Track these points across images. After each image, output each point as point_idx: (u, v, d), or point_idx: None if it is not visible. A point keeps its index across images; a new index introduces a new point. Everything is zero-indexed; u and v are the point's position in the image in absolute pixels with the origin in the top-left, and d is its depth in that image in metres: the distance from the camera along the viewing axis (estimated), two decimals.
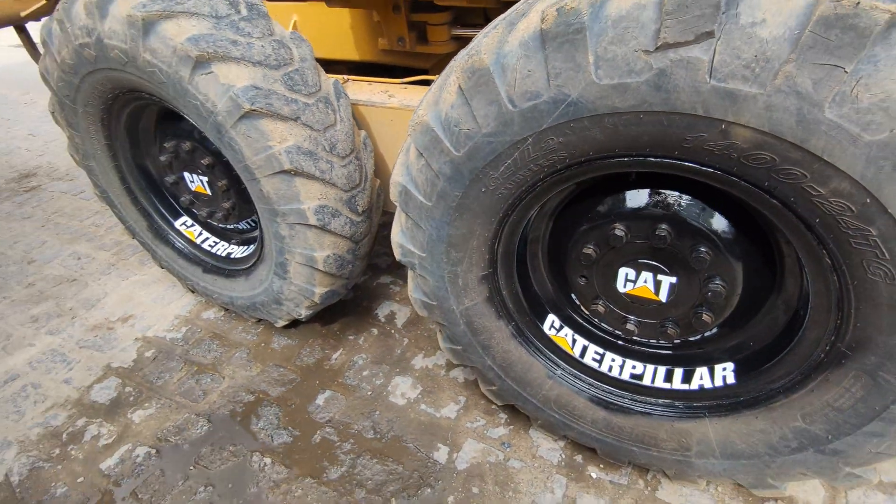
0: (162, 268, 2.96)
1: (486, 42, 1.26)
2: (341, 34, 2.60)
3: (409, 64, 2.64)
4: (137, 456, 2.18)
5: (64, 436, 2.29)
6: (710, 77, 0.97)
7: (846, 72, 0.88)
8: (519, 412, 2.14)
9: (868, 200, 0.97)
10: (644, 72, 1.03)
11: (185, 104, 1.88)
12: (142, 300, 3.06)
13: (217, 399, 2.40)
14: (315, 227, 1.99)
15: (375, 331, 2.72)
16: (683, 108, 1.03)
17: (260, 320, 2.78)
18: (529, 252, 1.80)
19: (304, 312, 2.40)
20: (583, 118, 1.15)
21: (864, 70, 0.87)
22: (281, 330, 2.73)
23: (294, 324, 2.70)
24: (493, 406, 2.24)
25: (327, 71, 2.10)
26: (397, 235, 1.73)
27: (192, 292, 2.95)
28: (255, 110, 1.76)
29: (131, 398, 2.44)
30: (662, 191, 1.47)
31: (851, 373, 1.26)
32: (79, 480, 2.10)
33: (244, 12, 1.85)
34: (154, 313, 2.94)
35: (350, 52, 2.66)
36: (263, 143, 1.82)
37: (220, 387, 2.46)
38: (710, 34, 0.95)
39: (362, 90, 2.26)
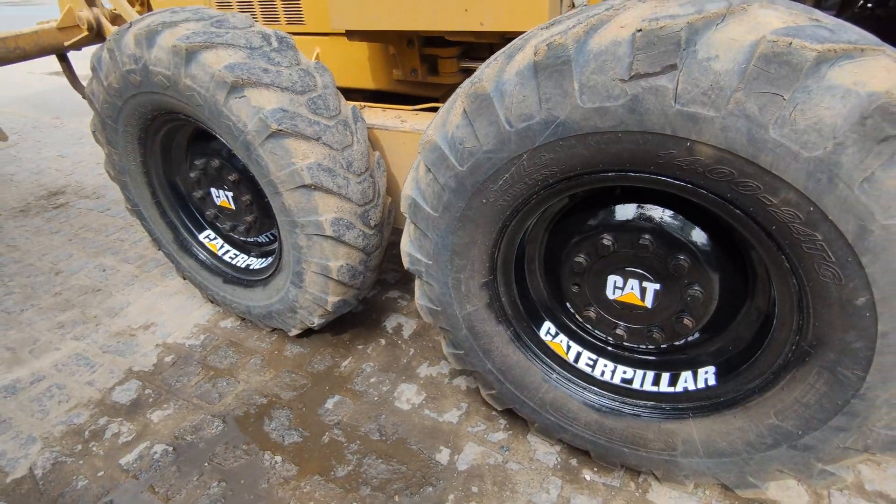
0: (184, 279, 3.13)
1: (487, 71, 1.45)
2: (360, 65, 2.80)
3: (420, 93, 2.83)
4: (155, 453, 2.30)
5: (86, 433, 2.42)
6: (675, 102, 1.15)
7: (784, 99, 1.05)
8: (518, 419, 2.26)
9: (812, 209, 1.13)
10: (621, 97, 1.21)
11: (219, 124, 2.08)
12: (163, 309, 3.22)
13: (232, 401, 2.53)
14: (331, 237, 2.16)
15: (383, 341, 2.86)
16: (654, 128, 1.20)
17: (274, 329, 2.93)
18: (527, 261, 1.95)
19: (316, 321, 2.55)
20: (570, 137, 1.33)
21: (799, 98, 1.04)
22: (294, 339, 2.87)
23: (306, 333, 2.84)
24: (494, 412, 2.35)
25: (346, 98, 2.31)
26: (406, 245, 1.90)
27: (212, 302, 3.12)
28: (281, 130, 1.96)
29: (151, 399, 2.58)
30: (645, 205, 1.63)
31: (815, 370, 1.39)
32: (99, 474, 2.22)
33: (275, 44, 2.08)
34: (174, 322, 3.10)
35: (367, 82, 2.86)
36: (287, 160, 2.01)
37: (234, 390, 2.59)
38: (673, 66, 1.13)
39: (377, 115, 2.46)
